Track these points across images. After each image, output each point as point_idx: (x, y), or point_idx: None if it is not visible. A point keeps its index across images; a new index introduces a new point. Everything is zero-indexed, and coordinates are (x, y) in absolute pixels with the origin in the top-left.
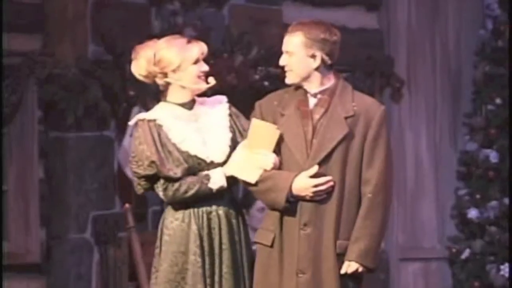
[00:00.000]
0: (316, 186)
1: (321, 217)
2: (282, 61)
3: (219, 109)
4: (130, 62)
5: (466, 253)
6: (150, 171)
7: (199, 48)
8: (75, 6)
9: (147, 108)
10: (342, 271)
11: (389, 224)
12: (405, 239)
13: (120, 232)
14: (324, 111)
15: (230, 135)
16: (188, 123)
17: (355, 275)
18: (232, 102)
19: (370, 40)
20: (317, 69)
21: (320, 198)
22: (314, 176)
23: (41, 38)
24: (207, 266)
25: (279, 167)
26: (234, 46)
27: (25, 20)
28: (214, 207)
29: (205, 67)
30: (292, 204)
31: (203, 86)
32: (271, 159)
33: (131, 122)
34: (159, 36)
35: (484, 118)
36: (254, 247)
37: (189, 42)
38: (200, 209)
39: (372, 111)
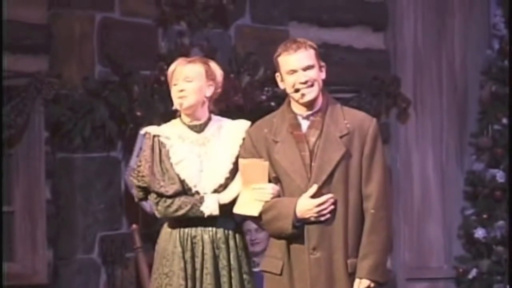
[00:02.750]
0: (319, 205)
1: (329, 238)
2: (306, 76)
3: (232, 136)
4: (137, 82)
5: (473, 273)
6: (140, 183)
7: (174, 74)
8: (81, 27)
9: None
10: None
11: (395, 244)
12: (412, 259)
13: (128, 253)
14: (319, 133)
15: (231, 166)
16: (192, 146)
17: None
18: None
19: (376, 60)
20: None
21: (324, 218)
22: (315, 196)
23: (47, 59)
24: None
25: (280, 194)
26: (240, 66)
27: (32, 41)
28: (199, 232)
29: (178, 87)
30: (298, 228)
31: (176, 107)
32: (269, 190)
33: (142, 132)
34: (166, 56)
35: (490, 138)
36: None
37: (179, 63)
38: (186, 233)
39: (365, 126)
